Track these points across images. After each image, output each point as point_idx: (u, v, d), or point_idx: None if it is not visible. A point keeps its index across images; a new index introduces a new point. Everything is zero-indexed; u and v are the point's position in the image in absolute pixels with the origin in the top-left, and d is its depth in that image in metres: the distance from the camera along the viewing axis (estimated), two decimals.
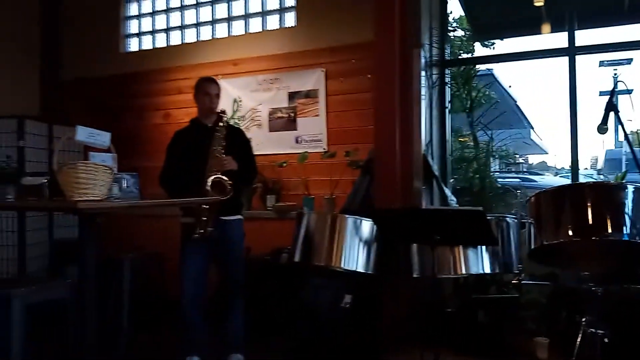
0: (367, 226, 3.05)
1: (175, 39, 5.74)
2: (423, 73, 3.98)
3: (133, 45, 6.00)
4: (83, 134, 2.53)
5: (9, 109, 5.02)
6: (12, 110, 4.95)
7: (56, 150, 2.66)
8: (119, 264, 3.56)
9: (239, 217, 3.49)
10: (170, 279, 3.81)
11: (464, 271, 3.01)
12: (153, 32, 5.89)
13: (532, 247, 2.67)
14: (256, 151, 3.87)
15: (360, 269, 3.03)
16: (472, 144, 4.23)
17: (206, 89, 3.45)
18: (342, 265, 3.00)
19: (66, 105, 5.80)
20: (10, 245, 4.69)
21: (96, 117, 5.59)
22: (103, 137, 2.59)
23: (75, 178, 2.34)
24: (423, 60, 4.00)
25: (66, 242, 5.01)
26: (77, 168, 2.35)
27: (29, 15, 6.08)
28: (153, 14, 5.89)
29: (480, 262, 2.98)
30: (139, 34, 5.97)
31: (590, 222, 2.41)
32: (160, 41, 5.84)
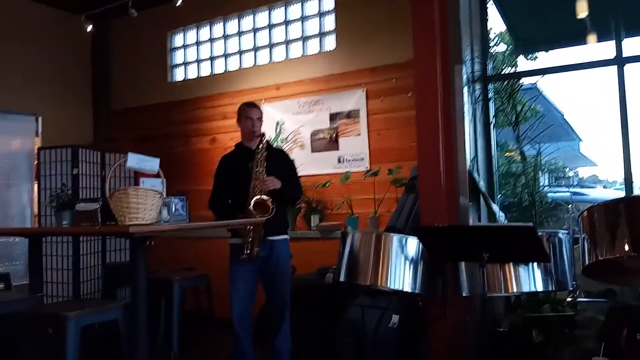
0: (413, 245, 3.00)
1: (220, 67, 5.90)
2: (465, 89, 3.93)
3: (179, 74, 6.20)
4: (133, 160, 2.61)
5: (64, 140, 5.25)
6: (67, 141, 5.17)
7: (108, 176, 2.75)
8: (168, 285, 3.61)
9: (285, 237, 3.51)
10: (218, 298, 3.84)
11: (515, 289, 2.91)
12: (198, 62, 6.07)
13: (587, 263, 2.56)
14: (299, 172, 3.90)
15: (407, 289, 2.97)
16: (519, 158, 4.12)
17: (248, 114, 3.52)
18: (388, 285, 2.95)
19: (117, 133, 6.03)
20: (66, 269, 4.84)
21: (145, 144, 5.81)
22: (152, 163, 2.66)
23: (127, 203, 2.42)
24: (465, 77, 3.96)
25: (118, 265, 5.15)
26: (128, 193, 2.42)
27: (82, 52, 6.40)
28: (197, 44, 6.08)
29: (532, 279, 2.87)
30: (184, 64, 6.17)
31: None
32: (205, 70, 6.00)
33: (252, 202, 3.22)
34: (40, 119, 5.51)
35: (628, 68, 3.88)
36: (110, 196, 2.46)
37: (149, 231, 2.41)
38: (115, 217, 2.49)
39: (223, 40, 5.89)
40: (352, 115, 4.86)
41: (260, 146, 3.39)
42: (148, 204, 2.47)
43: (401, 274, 2.97)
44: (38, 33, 5.90)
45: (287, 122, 5.20)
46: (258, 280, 3.45)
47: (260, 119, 3.56)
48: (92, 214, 2.74)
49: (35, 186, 5.16)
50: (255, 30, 5.67)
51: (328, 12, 5.19)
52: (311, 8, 5.33)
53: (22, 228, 4.66)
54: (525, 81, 4.41)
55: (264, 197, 3.25)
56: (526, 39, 4.96)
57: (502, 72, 4.33)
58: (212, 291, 4.03)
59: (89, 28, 5.78)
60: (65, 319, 2.52)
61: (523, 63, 4.85)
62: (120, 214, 2.45)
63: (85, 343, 2.74)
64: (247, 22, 5.74)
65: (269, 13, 5.57)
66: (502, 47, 4.95)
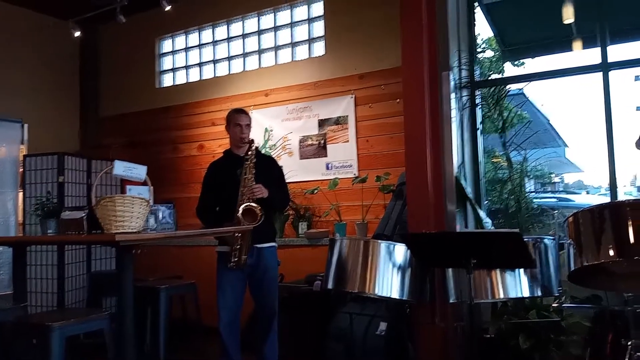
0: (400, 251, 3.02)
1: (208, 72, 5.90)
2: (453, 95, 3.96)
3: (167, 80, 6.19)
4: (120, 168, 2.60)
5: (50, 147, 5.22)
6: (53, 148, 5.14)
7: (94, 184, 2.74)
8: (155, 294, 3.60)
9: (273, 244, 3.51)
10: (205, 307, 3.83)
11: (502, 295, 2.94)
12: (186, 67, 6.06)
13: (572, 268, 2.58)
14: (287, 179, 3.90)
15: (395, 296, 2.99)
16: (505, 164, 4.16)
17: (236, 120, 3.52)
18: (376, 292, 2.96)
19: (104, 140, 6.00)
20: (50, 278, 4.80)
21: (133, 150, 5.78)
22: (139, 171, 2.66)
23: (113, 211, 2.41)
24: (452, 83, 3.99)
25: (103, 274, 5.12)
26: (115, 201, 2.41)
27: (69, 58, 6.37)
28: (186, 50, 6.07)
29: (518, 285, 2.90)
30: (172, 70, 6.16)
31: (632, 241, 2.33)
32: (194, 76, 6.00)
33: (240, 210, 3.22)
34: (26, 126, 5.46)
35: (613, 74, 3.93)
36: (96, 204, 2.45)
37: (136, 239, 2.40)
38: (101, 225, 2.48)
39: (212, 46, 5.89)
40: (340, 121, 4.88)
41: (250, 153, 3.39)
42: (135, 212, 2.47)
43: (389, 281, 2.98)
44: (25, 39, 5.87)
45: (276, 129, 5.21)
46: (246, 288, 3.44)
47: (249, 125, 3.56)
48: (78, 222, 2.73)
49: (20, 194, 5.12)
50: (244, 36, 5.68)
51: (317, 18, 5.21)
52: (300, 14, 5.35)
53: (6, 237, 4.61)
54: (512, 87, 4.45)
55: (253, 204, 3.25)
56: (513, 46, 5.02)
57: (489, 78, 4.38)
58: (200, 299, 4.02)
59: (77, 34, 5.76)
60: (49, 329, 2.50)
61: (510, 69, 4.90)
62: (106, 222, 2.44)
63: (71, 354, 2.72)
64: (236, 28, 5.75)
65: (258, 19, 5.59)
66: (489, 54, 5.00)
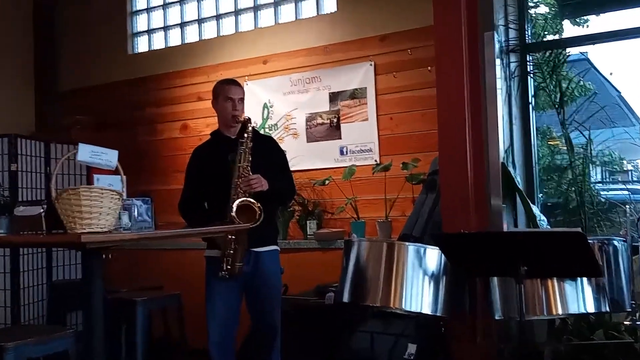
0: (433, 256, 3.03)
1: (192, 35, 5.90)
2: (498, 62, 3.96)
3: (142, 45, 6.20)
4: (85, 153, 2.61)
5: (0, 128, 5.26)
6: (2, 129, 5.17)
7: (54, 173, 2.77)
8: (131, 308, 3.64)
9: (274, 247, 3.52)
10: (192, 323, 3.87)
11: (560, 311, 2.95)
12: (165, 29, 6.07)
13: None
14: (292, 167, 3.92)
15: (426, 311, 3.01)
16: (564, 148, 4.16)
17: (227, 93, 3.52)
18: (402, 307, 2.98)
19: (65, 120, 6.03)
20: (2, 289, 4.85)
21: (101, 132, 5.81)
22: (109, 156, 2.67)
23: (78, 206, 2.42)
24: (498, 46, 3.98)
25: (67, 284, 5.17)
26: (80, 194, 2.43)
27: (21, 18, 6.37)
28: (165, 6, 6.08)
29: (580, 298, 2.90)
30: (148, 31, 6.17)
31: None
32: (175, 39, 6.01)
33: (234, 207, 3.22)
34: None
35: None
36: (57, 198, 2.47)
37: (106, 240, 2.41)
38: (63, 223, 2.50)
39: (196, 2, 5.89)
40: (357, 95, 4.88)
41: (246, 135, 3.38)
42: (104, 207, 2.48)
43: (419, 293, 3.00)
44: None
45: (277, 104, 5.21)
46: (241, 300, 3.46)
47: (242, 99, 3.57)
48: (35, 220, 2.75)
49: None
50: None
51: None
52: None
53: None
54: (573, 51, 4.42)
55: (250, 199, 3.25)
56: None
57: (544, 40, 4.36)
58: (185, 315, 4.06)
59: None
60: (2, 351, 2.54)
61: (569, 29, 4.87)
62: (69, 220, 2.46)
63: None
64: None
65: None
66: (543, 9, 4.96)
